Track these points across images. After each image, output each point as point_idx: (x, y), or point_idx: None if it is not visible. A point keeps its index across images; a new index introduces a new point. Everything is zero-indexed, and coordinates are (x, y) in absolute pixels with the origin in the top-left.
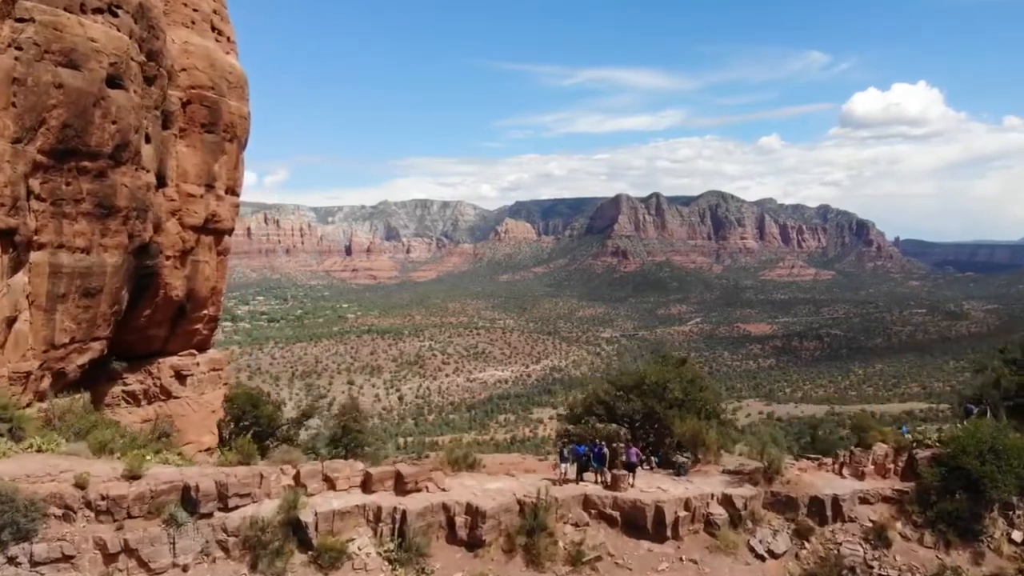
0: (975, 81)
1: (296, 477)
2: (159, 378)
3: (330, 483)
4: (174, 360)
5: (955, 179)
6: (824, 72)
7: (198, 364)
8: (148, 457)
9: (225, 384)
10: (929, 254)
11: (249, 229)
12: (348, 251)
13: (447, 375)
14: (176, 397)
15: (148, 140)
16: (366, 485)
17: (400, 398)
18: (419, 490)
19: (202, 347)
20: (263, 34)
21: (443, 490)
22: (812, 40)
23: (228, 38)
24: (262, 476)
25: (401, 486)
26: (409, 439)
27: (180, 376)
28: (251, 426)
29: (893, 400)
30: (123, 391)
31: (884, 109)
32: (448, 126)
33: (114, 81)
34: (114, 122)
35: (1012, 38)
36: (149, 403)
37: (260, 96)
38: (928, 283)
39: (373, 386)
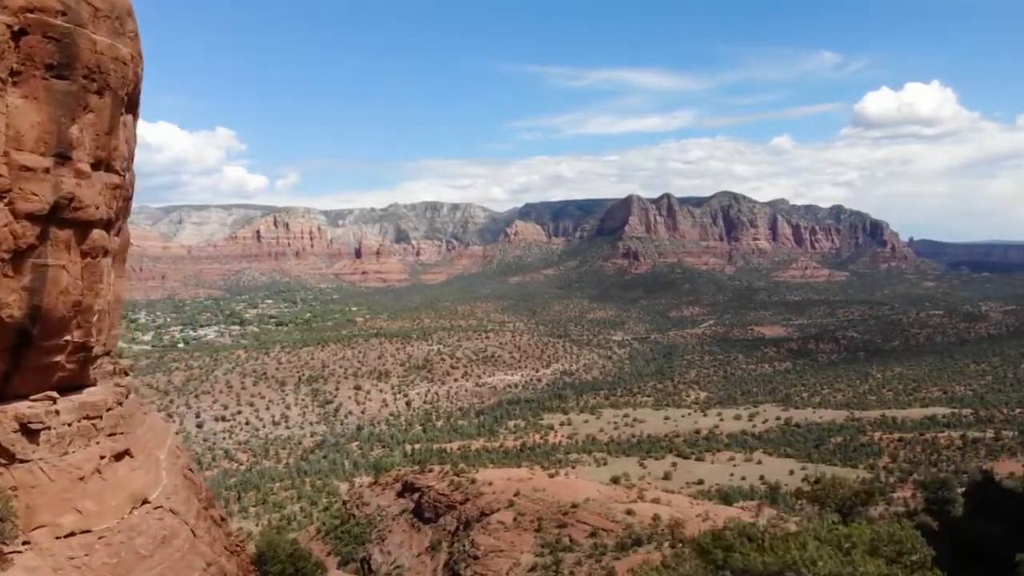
0: (988, 80)
1: None
2: None
3: None
4: (20, 408)
5: (968, 178)
6: (836, 72)
7: (58, 412)
8: None
9: (111, 436)
10: (943, 254)
11: (259, 232)
12: (358, 254)
13: (455, 380)
14: (22, 460)
15: None
16: None
17: (408, 403)
18: None
19: (69, 387)
20: (270, 37)
21: None
22: (823, 40)
23: None
24: None
25: None
26: (416, 446)
27: (28, 430)
28: None
29: (914, 405)
30: None
31: (897, 109)
32: (458, 128)
33: None
34: None
35: None
36: None
37: (267, 97)
38: (943, 284)
39: (380, 391)
